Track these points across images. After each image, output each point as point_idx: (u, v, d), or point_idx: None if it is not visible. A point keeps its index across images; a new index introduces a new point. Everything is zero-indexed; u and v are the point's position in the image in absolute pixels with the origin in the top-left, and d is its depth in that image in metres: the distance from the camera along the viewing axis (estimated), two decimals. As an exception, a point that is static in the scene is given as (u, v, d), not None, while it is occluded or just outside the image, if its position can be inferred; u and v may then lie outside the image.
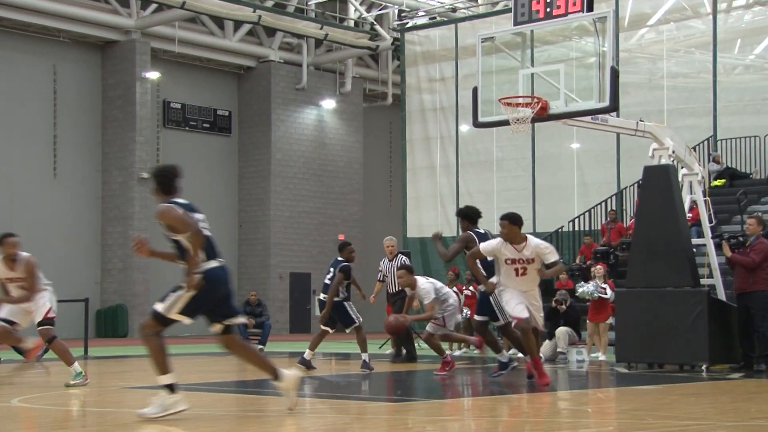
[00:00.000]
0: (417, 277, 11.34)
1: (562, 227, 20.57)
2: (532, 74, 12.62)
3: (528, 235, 9.36)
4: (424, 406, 8.29)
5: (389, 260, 13.27)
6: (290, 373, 7.04)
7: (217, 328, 6.96)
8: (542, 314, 9.64)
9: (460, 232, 10.85)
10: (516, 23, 12.26)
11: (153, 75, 26.65)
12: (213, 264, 6.86)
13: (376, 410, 7.93)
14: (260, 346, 16.92)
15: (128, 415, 7.75)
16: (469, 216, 10.54)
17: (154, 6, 26.09)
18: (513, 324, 9.54)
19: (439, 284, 11.60)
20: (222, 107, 29.24)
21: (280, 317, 27.60)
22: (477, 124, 13.08)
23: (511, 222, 9.26)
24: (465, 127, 23.58)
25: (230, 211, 29.26)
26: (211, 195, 28.78)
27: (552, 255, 9.25)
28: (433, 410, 7.97)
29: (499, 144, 23.01)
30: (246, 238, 29.26)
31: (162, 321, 6.93)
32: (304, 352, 12.34)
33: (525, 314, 9.18)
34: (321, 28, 27.96)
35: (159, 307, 6.88)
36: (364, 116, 31.69)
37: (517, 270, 9.24)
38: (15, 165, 24.78)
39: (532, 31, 12.57)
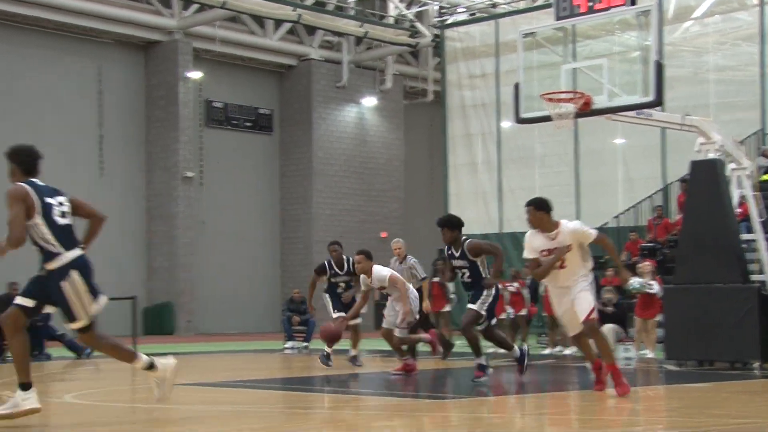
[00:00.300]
0: (375, 265, 10.94)
1: (606, 223, 20.39)
2: (575, 69, 12.52)
3: (563, 221, 8.20)
4: (468, 403, 8.26)
5: (399, 262, 13.21)
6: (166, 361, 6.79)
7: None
8: (589, 305, 8.08)
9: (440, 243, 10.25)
10: (558, 18, 12.19)
11: (195, 75, 26.89)
12: (77, 252, 6.61)
13: (421, 407, 7.92)
14: (305, 344, 17.00)
15: (176, 411, 7.82)
16: (460, 226, 9.85)
17: (195, 6, 26.32)
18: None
19: (399, 277, 11.16)
20: (263, 106, 29.41)
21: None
22: (519, 120, 13.02)
23: (537, 207, 8.14)
24: (506, 123, 23.47)
25: (272, 209, 29.42)
26: (254, 194, 28.97)
27: (589, 233, 8.12)
28: (478, 408, 7.93)
29: (541, 140, 22.86)
30: (288, 236, 29.40)
31: (90, 326, 6.71)
32: (348, 350, 12.37)
33: (573, 333, 8.36)
34: (361, 26, 28.01)
35: (77, 324, 6.60)
36: (404, 113, 31.69)
37: None
38: (62, 164, 25.08)
39: (573, 26, 12.50)
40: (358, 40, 29.56)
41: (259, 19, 27.74)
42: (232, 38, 27.68)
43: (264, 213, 29.12)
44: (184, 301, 26.25)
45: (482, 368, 9.69)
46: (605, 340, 8.36)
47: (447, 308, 16.07)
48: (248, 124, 29.05)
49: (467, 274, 9.78)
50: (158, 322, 25.65)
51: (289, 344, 16.94)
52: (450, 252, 9.80)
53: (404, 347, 11.16)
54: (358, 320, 12.23)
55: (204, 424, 6.90)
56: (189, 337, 24.03)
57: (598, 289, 14.31)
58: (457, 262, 9.76)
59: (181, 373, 12.17)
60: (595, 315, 8.18)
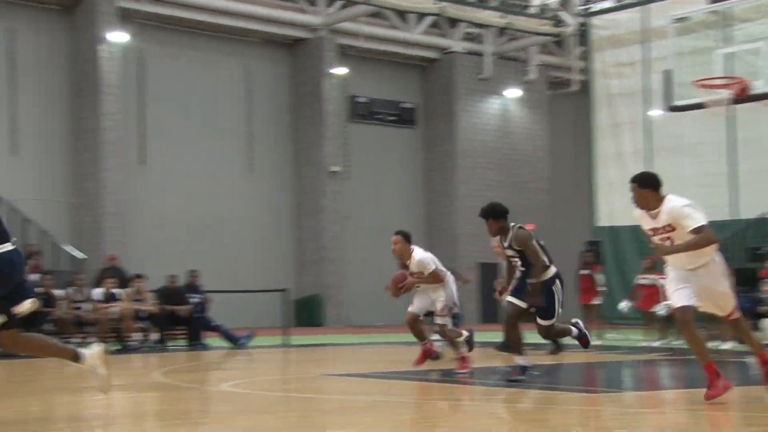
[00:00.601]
0: (416, 248, 10.20)
1: (766, 213, 19.54)
2: (730, 54, 12.08)
3: (668, 196, 7.16)
4: (620, 397, 8.09)
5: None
6: (91, 351, 6.54)
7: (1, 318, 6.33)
8: (724, 293, 7.09)
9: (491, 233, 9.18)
10: (711, 1, 11.79)
11: (340, 71, 27.34)
12: (7, 247, 6.25)
13: (571, 401, 7.80)
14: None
15: (329, 402, 8.00)
16: (504, 214, 9.05)
17: (339, 3, 26.78)
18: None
19: (439, 263, 10.36)
20: (407, 100, 29.64)
21: (471, 307, 27.70)
22: (670, 108, 12.70)
23: (641, 184, 7.20)
24: (655, 112, 22.81)
25: (416, 203, 29.61)
26: (398, 188, 29.24)
27: (690, 219, 6.91)
28: (630, 402, 7.77)
29: (693, 128, 22.08)
30: (432, 229, 29.53)
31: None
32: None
33: (682, 302, 6.93)
34: (503, 17, 27.81)
35: None
36: (548, 103, 31.30)
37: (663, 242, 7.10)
38: (214, 161, 26.09)
39: (728, 9, 12.05)
40: (501, 31, 29.36)
41: (402, 14, 27.95)
42: (375, 33, 28.00)
43: (408, 206, 29.35)
44: (332, 293, 26.78)
45: (523, 370, 8.84)
46: (696, 340, 7.12)
47: (596, 301, 15.79)
48: (391, 118, 29.33)
49: (519, 263, 9.03)
50: (308, 314, 26.28)
51: (435, 336, 16.99)
52: (502, 242, 9.08)
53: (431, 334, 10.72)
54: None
55: (356, 414, 7.02)
56: (338, 329, 24.50)
57: (756, 281, 13.74)
58: (508, 252, 9.07)
59: (332, 364, 12.48)
60: (738, 314, 7.20)
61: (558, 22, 28.27)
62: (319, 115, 26.96)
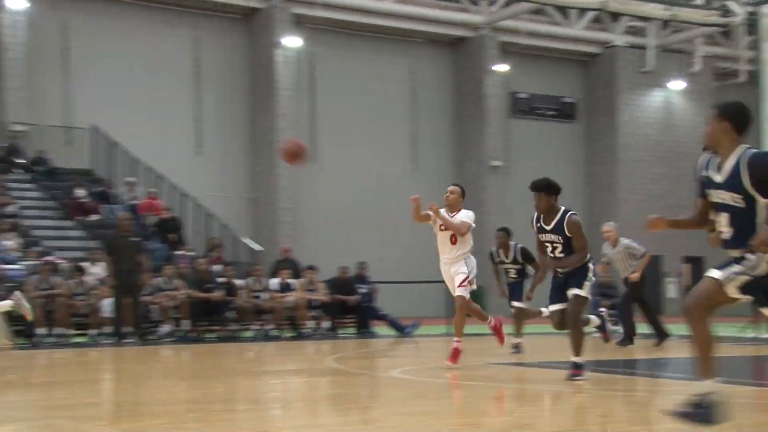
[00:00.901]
0: (465, 209, 9.99)
1: None
2: None
3: None
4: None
5: (612, 246, 13.00)
6: None
7: None
8: None
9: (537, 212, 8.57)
10: None
11: (502, 68, 27.67)
12: None
13: (738, 394, 7.75)
14: (615, 327, 17.05)
15: (495, 389, 8.22)
16: (558, 191, 8.51)
17: (502, 1, 27.11)
18: None
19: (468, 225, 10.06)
20: (567, 95, 29.65)
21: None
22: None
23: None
24: (830, 102, 22.03)
25: (579, 197, 29.58)
26: (560, 182, 29.17)
27: None
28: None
29: None
30: (595, 223, 29.40)
31: None
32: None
33: None
34: (668, 9, 27.39)
35: None
36: (714, 95, 30.54)
37: None
38: (381, 157, 27.00)
39: None
40: (664, 23, 28.89)
41: (563, 9, 27.99)
42: (536, 30, 28.15)
43: (569, 200, 28.96)
44: (491, 284, 27.16)
45: (578, 366, 8.32)
46: None
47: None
48: (552, 113, 29.42)
49: (559, 249, 8.31)
50: (468, 305, 26.72)
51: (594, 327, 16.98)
52: (539, 224, 8.43)
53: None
54: (521, 304, 12.26)
55: (522, 402, 7.31)
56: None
57: None
58: (547, 236, 8.34)
59: (495, 353, 12.81)
60: None
61: (725, 12, 27.59)
62: (480, 112, 27.40)
